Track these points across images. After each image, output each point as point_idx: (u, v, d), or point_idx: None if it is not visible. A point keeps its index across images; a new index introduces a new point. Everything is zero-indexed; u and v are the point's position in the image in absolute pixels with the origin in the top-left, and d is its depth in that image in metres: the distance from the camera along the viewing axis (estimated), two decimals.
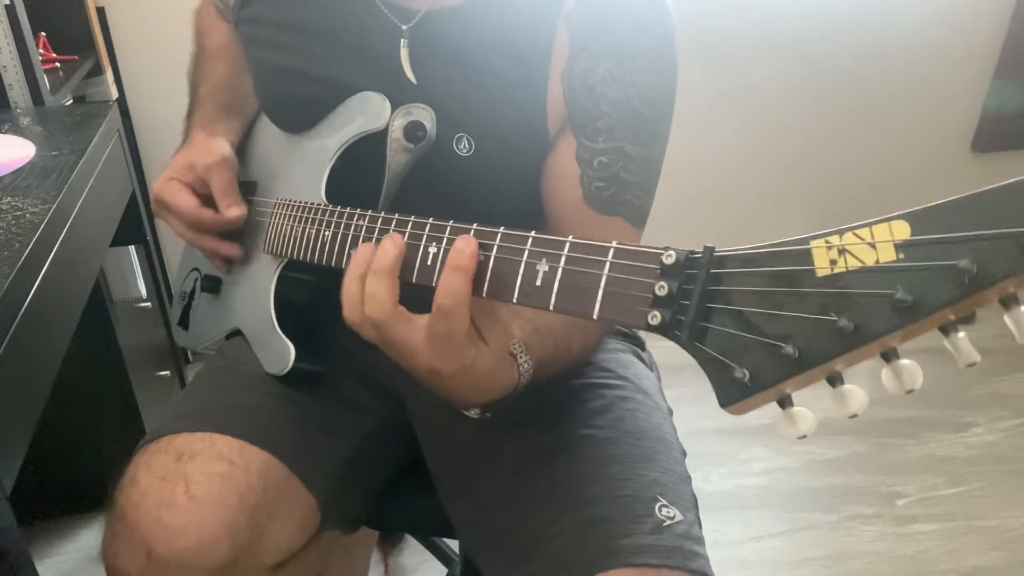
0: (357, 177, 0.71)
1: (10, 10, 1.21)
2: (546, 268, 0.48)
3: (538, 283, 0.48)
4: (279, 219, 0.75)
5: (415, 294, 0.54)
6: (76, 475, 1.45)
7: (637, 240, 0.73)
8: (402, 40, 0.70)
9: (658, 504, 0.65)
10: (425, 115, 0.68)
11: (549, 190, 0.72)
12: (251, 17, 0.80)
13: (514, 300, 0.49)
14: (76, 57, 1.54)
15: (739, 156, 2.14)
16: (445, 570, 1.29)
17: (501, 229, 0.51)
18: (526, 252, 0.49)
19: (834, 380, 0.38)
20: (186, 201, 0.77)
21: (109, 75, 1.68)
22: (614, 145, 0.68)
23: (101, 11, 1.68)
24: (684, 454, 0.76)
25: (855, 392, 0.38)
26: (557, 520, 0.65)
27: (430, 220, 0.55)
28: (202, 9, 0.96)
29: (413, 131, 0.68)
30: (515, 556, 0.66)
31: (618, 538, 0.62)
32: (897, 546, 1.47)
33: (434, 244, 0.54)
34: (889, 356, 0.37)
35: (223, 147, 0.79)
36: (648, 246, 0.44)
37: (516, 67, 0.68)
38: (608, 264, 0.45)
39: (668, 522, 0.63)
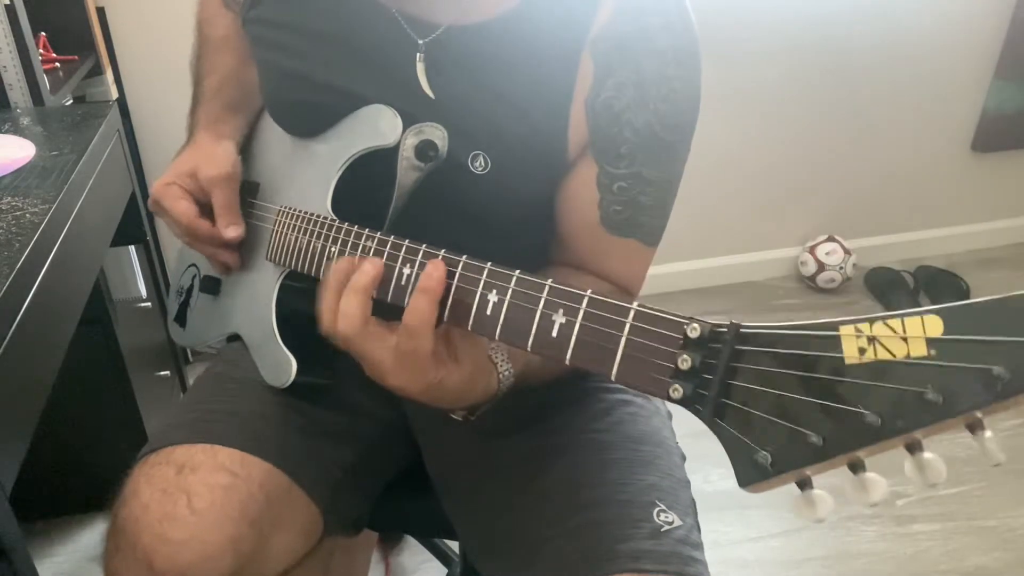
0: (365, 189, 0.69)
1: (10, 10, 1.21)
2: (563, 320, 0.48)
3: (554, 334, 0.48)
4: (283, 228, 0.74)
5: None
6: (76, 475, 1.45)
7: (650, 258, 0.73)
8: (418, 54, 0.68)
9: (656, 509, 0.65)
10: (437, 135, 0.66)
11: (564, 211, 0.71)
12: (260, 18, 0.78)
13: (528, 348, 0.49)
14: (76, 57, 1.54)
15: (738, 155, 2.14)
16: (445, 570, 1.29)
17: (517, 272, 0.51)
18: (542, 301, 0.49)
19: (856, 467, 0.38)
20: (184, 210, 0.76)
21: (109, 75, 1.68)
22: (634, 170, 0.67)
23: (101, 11, 1.68)
24: (683, 459, 0.76)
25: (876, 481, 0.37)
26: (555, 524, 0.65)
27: (443, 251, 0.56)
28: None
29: (424, 150, 0.67)
30: (514, 560, 0.66)
31: (616, 543, 0.62)
32: (897, 546, 1.47)
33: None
34: (913, 448, 0.36)
35: (229, 157, 0.78)
36: (671, 313, 0.43)
37: (538, 90, 0.67)
38: (628, 326, 0.45)
39: (666, 527, 0.63)
